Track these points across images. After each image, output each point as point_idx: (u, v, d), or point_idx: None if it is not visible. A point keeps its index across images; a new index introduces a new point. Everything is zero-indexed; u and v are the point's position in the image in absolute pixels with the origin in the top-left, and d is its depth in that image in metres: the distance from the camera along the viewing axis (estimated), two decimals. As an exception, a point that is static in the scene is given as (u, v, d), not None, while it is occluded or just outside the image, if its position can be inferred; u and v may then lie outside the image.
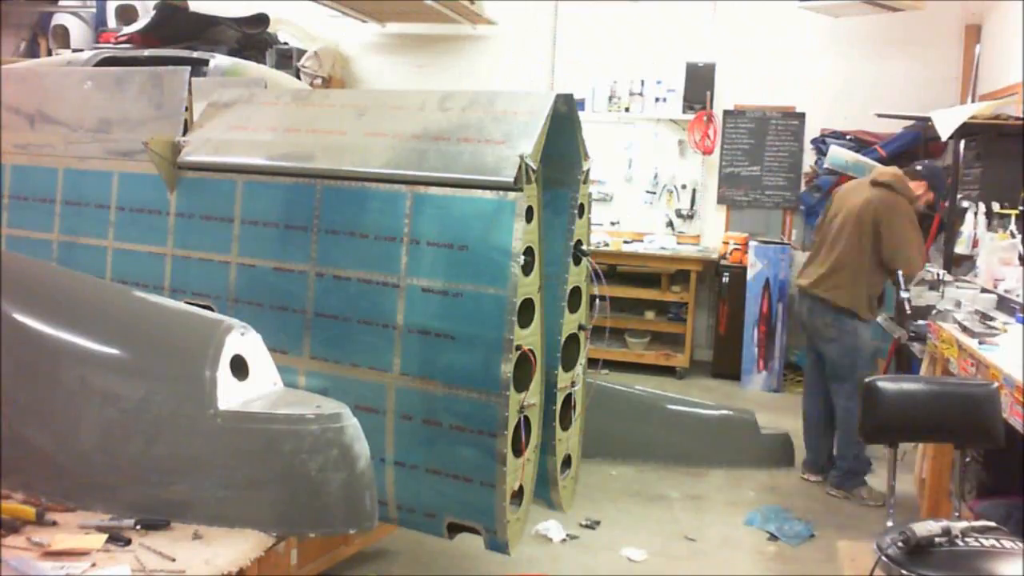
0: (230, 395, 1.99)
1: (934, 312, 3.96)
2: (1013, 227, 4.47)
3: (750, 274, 6.76)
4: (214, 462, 1.97)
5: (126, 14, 7.45)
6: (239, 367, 2.04)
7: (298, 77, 7.03)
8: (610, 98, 7.45)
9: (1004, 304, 4.05)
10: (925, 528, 2.45)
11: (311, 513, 1.99)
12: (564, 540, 3.86)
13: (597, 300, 2.90)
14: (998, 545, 2.44)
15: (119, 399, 2.03)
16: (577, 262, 2.79)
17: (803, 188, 7.22)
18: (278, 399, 2.06)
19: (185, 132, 3.05)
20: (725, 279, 6.91)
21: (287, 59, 7.24)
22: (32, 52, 8.14)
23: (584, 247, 2.81)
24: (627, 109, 7.44)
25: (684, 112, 7.33)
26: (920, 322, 3.97)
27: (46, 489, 2.00)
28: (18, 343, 2.10)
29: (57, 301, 2.23)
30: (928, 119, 5.35)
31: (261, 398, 2.04)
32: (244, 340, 2.08)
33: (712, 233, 7.46)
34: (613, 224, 7.55)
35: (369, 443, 2.05)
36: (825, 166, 6.67)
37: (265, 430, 1.97)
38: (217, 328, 2.07)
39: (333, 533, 2.43)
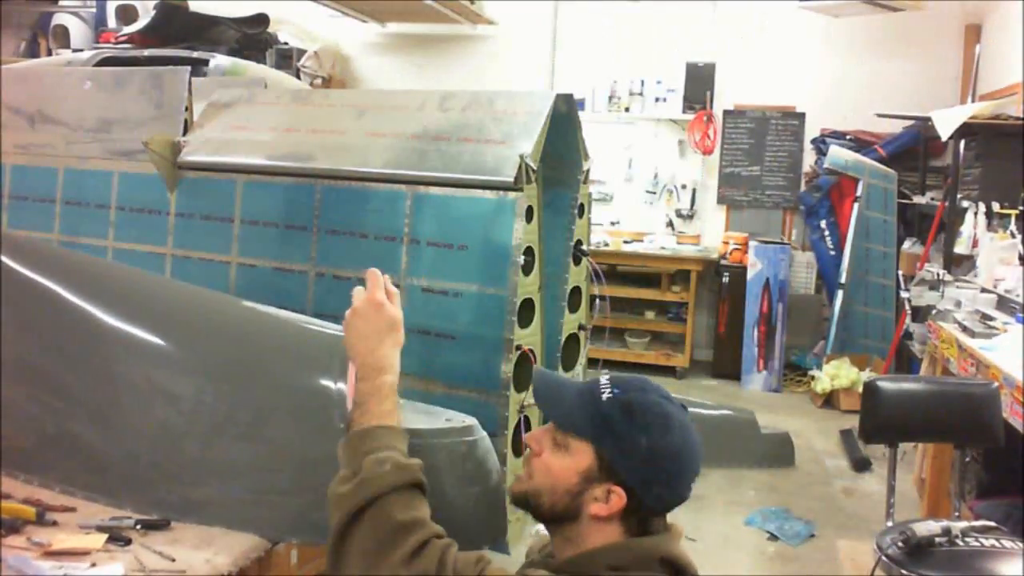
0: None
1: (934, 312, 3.96)
2: (1013, 227, 4.47)
3: (750, 274, 6.76)
4: None
5: (126, 14, 7.45)
6: None
7: (298, 77, 7.03)
8: (610, 98, 7.44)
9: (1004, 304, 4.05)
10: (925, 528, 2.45)
11: (446, 530, 1.93)
12: (564, 540, 3.85)
13: (597, 300, 2.90)
14: (998, 545, 2.44)
15: (235, 413, 1.97)
16: (577, 262, 2.79)
17: (803, 188, 7.22)
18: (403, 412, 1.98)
19: (185, 132, 3.05)
20: (725, 279, 6.91)
21: (287, 59, 7.24)
22: (32, 52, 8.12)
23: (584, 247, 2.81)
24: (627, 109, 7.43)
25: (684, 112, 7.32)
26: None
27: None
28: (120, 349, 2.06)
29: (172, 314, 2.18)
30: (928, 119, 5.35)
31: None
32: None
33: (712, 233, 7.46)
34: (613, 224, 7.54)
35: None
36: (825, 166, 6.67)
37: None
38: (339, 342, 1.98)
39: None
